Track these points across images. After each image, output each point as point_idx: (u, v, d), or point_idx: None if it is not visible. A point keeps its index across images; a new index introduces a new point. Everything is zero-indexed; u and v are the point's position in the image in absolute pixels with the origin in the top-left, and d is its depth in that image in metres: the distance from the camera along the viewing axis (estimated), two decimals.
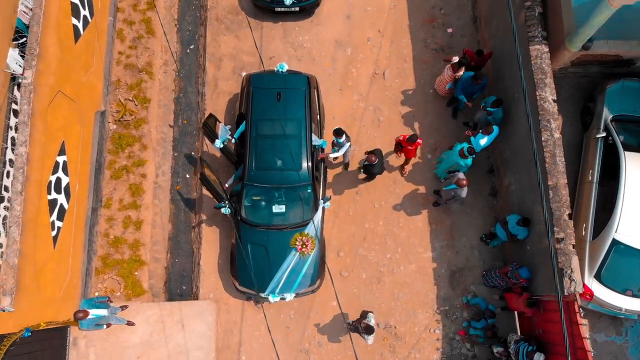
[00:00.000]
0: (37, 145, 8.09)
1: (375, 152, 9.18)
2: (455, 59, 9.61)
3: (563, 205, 7.95)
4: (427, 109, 10.82)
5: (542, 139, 8.18)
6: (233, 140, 9.47)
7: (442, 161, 9.89)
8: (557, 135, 8.20)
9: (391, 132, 10.72)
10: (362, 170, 9.87)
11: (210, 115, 9.43)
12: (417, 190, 10.43)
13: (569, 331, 7.98)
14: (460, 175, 9.00)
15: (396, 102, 10.89)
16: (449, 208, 10.25)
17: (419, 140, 9.17)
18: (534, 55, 8.51)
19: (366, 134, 10.74)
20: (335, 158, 10.03)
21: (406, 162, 10.13)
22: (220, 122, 9.41)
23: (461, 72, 9.61)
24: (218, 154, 10.04)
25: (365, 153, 9.39)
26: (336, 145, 9.33)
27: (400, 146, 9.53)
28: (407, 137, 9.20)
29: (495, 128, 9.10)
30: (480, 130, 9.20)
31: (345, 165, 10.37)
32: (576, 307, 7.73)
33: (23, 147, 7.87)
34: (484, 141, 9.16)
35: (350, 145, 9.55)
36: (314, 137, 9.47)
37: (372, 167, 9.24)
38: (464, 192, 9.00)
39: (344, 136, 9.09)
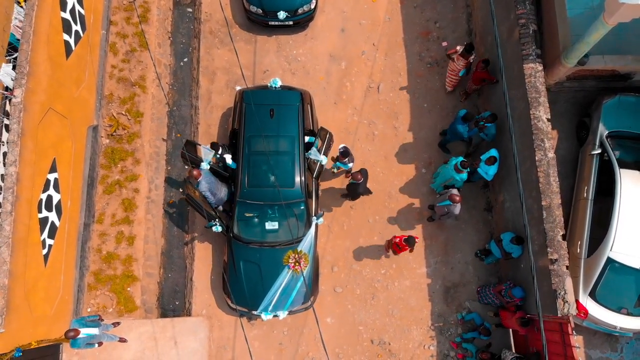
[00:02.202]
0: (27, 164, 8.03)
1: (362, 171, 9.08)
2: (459, 48, 9.59)
3: (557, 226, 7.88)
4: (421, 123, 10.75)
5: (536, 158, 8.11)
6: (217, 156, 9.38)
7: (438, 175, 9.83)
8: (550, 154, 8.13)
9: (386, 146, 10.66)
10: (346, 188, 9.68)
11: (187, 141, 9.40)
12: (412, 205, 10.37)
13: (562, 352, 7.93)
14: (454, 191, 8.93)
15: (390, 115, 10.83)
16: (444, 223, 10.18)
17: (416, 240, 8.84)
18: (528, 73, 8.44)
19: (360, 147, 10.67)
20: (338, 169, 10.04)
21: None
22: (199, 144, 9.35)
23: (473, 56, 9.59)
24: None
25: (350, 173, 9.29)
26: (341, 163, 9.37)
27: (397, 246, 9.19)
28: (403, 239, 8.85)
29: (495, 153, 9.02)
30: (483, 160, 9.05)
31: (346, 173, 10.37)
32: (569, 328, 7.67)
33: (12, 166, 7.81)
34: (492, 170, 9.08)
35: (352, 164, 9.58)
36: (316, 151, 9.39)
37: (357, 185, 9.13)
38: (457, 209, 8.93)
39: (347, 158, 9.06)
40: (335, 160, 9.66)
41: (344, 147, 9.24)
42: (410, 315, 9.88)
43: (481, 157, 9.08)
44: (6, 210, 7.66)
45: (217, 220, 9.01)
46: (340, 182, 10.44)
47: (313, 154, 9.31)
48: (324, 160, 9.40)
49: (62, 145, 9.14)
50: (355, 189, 9.28)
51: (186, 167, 10.78)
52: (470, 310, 9.82)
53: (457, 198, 8.70)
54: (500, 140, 9.40)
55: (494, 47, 9.90)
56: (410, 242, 8.71)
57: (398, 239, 9.08)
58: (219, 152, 9.28)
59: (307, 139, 9.58)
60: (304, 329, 9.77)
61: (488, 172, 9.04)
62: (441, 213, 9.24)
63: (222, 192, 9.32)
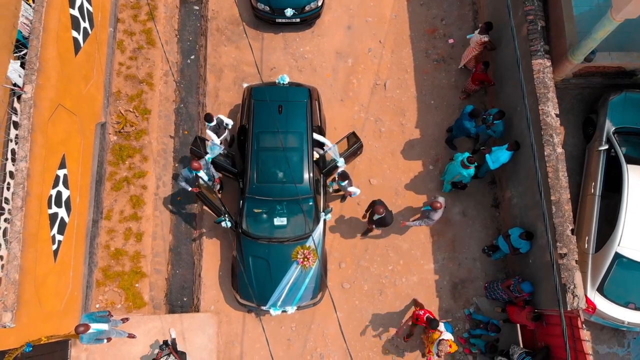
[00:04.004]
0: (37, 160, 8.06)
1: (377, 203, 8.84)
2: (481, 36, 9.66)
3: (566, 221, 7.92)
4: (428, 120, 10.79)
5: (545, 153, 8.14)
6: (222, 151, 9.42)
7: (446, 172, 9.84)
8: (559, 150, 8.17)
9: (392, 143, 10.70)
10: (374, 226, 9.47)
11: (197, 137, 9.43)
12: (419, 201, 10.39)
13: (571, 346, 7.96)
14: (440, 198, 8.84)
15: (397, 112, 10.87)
16: (451, 219, 10.23)
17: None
18: (536, 69, 8.48)
19: (367, 144, 10.69)
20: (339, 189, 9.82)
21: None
22: (207, 140, 9.38)
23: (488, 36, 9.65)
24: None
25: (367, 211, 9.02)
26: (340, 186, 9.29)
27: (416, 319, 8.78)
28: (425, 318, 8.45)
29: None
30: (503, 148, 9.05)
31: (342, 198, 10.30)
32: (579, 322, 7.71)
33: (23, 162, 7.83)
34: (504, 156, 9.03)
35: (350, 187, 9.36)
36: (336, 151, 9.37)
37: (384, 218, 8.94)
38: (436, 215, 8.84)
39: (347, 181, 9.00)
40: (333, 179, 9.58)
41: (344, 171, 9.10)
42: None
43: (492, 149, 9.09)
44: (17, 205, 7.68)
45: (226, 215, 9.04)
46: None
47: (333, 151, 9.31)
48: (340, 162, 9.33)
49: (71, 141, 9.18)
50: (383, 222, 9.08)
51: None
52: (478, 307, 9.84)
53: (438, 205, 8.62)
54: (509, 136, 9.43)
55: (500, 44, 9.97)
56: (433, 326, 8.26)
57: (422, 314, 8.56)
58: (213, 122, 9.18)
59: (327, 141, 9.48)
60: (312, 325, 9.79)
61: (500, 158, 8.99)
62: (423, 216, 9.10)
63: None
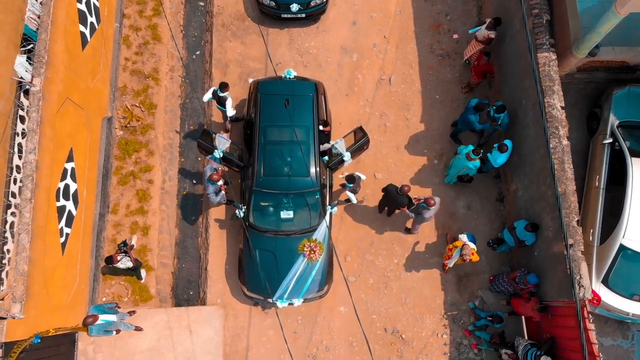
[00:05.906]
0: (45, 153, 8.09)
1: (435, 198, 8.79)
2: (488, 32, 9.74)
3: (572, 212, 7.98)
4: (432, 115, 10.85)
5: (551, 145, 8.20)
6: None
7: (451, 167, 9.90)
8: (565, 142, 8.24)
9: (397, 137, 10.76)
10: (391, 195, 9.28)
11: (204, 131, 9.49)
12: (425, 195, 10.43)
13: (577, 336, 8.00)
14: (437, 199, 8.85)
15: (402, 107, 10.93)
16: (456, 213, 10.28)
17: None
18: (541, 62, 8.55)
19: (372, 139, 10.71)
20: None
21: None
22: (215, 133, 9.45)
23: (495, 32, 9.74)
24: None
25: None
26: (347, 188, 9.38)
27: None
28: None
29: (509, 143, 9.12)
30: (495, 147, 9.16)
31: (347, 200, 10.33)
32: (585, 312, 7.76)
33: (32, 154, 7.86)
34: (501, 159, 9.17)
35: (357, 190, 9.43)
36: (343, 145, 9.43)
37: (423, 210, 8.84)
38: (427, 213, 8.87)
39: (352, 184, 9.05)
40: (342, 185, 9.69)
41: (353, 175, 9.17)
42: (423, 304, 9.96)
43: (494, 145, 9.18)
44: (26, 197, 7.71)
45: (243, 206, 9.26)
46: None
47: (339, 146, 9.34)
48: (347, 156, 9.38)
49: (78, 135, 9.21)
50: (390, 196, 9.07)
51: (199, 159, 10.88)
52: (483, 300, 9.89)
53: (432, 202, 8.63)
54: (514, 130, 9.50)
55: (505, 38, 10.04)
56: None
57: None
58: (224, 94, 9.36)
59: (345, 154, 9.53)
60: (318, 318, 9.84)
61: (497, 160, 9.13)
62: (416, 210, 9.05)
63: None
